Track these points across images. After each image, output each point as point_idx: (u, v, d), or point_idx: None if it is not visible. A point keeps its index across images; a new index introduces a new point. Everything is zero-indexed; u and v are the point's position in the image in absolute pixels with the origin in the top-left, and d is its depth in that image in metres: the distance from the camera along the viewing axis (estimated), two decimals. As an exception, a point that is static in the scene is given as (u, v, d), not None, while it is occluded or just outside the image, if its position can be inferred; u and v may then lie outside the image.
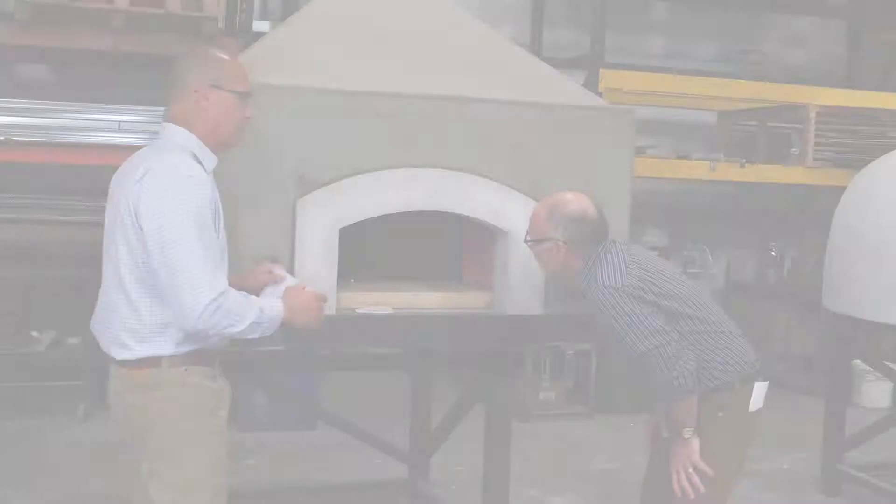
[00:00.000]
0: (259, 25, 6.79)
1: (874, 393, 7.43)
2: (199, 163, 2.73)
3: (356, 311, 3.48)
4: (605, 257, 3.18)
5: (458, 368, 7.45)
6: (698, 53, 8.80)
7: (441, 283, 3.91)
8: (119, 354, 2.73)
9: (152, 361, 2.70)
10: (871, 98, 7.67)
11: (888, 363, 7.04)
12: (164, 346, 2.69)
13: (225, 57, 2.86)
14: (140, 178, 2.63)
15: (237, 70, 2.85)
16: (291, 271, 3.25)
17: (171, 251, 2.58)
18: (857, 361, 7.18)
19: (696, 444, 3.11)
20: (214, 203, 2.70)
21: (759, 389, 3.21)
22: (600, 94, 6.53)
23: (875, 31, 8.96)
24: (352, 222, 3.36)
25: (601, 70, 6.69)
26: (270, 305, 2.79)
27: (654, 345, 3.02)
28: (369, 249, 4.02)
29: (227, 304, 2.62)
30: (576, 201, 3.26)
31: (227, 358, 3.60)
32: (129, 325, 2.69)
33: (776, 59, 9.07)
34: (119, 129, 5.65)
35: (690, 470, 3.11)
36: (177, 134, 2.76)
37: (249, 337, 2.74)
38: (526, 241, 3.34)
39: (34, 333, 6.25)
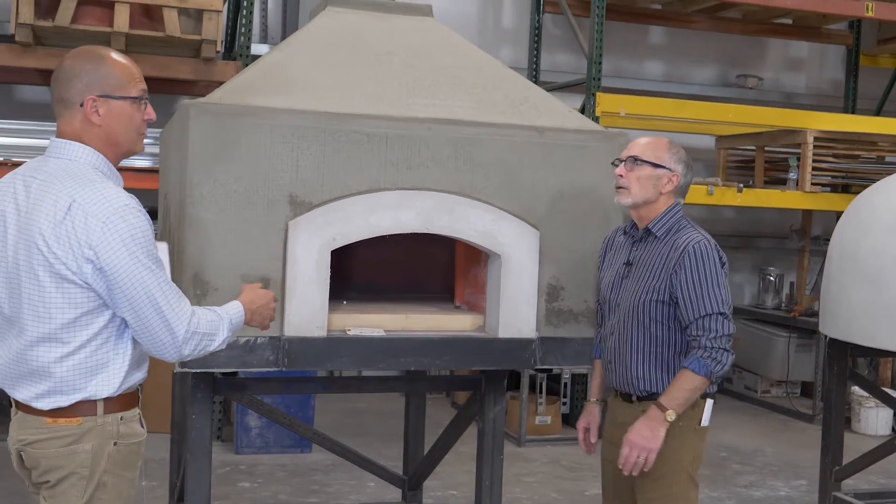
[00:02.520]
0: (258, 49, 6.84)
1: (874, 419, 7.39)
2: None
3: (348, 332, 3.48)
4: (686, 219, 3.22)
5: (451, 391, 7.44)
6: (696, 78, 8.84)
7: (433, 305, 3.91)
8: (38, 401, 2.43)
9: (81, 408, 2.43)
10: (869, 123, 7.70)
11: (886, 389, 7.02)
12: (97, 391, 2.44)
13: (110, 56, 2.51)
14: (66, 213, 2.35)
15: (124, 71, 2.50)
16: (283, 292, 3.25)
17: (132, 292, 2.37)
18: (857, 388, 7.15)
19: (663, 434, 3.03)
20: (151, 226, 2.47)
21: (710, 406, 3.16)
22: (597, 119, 6.54)
23: (873, 57, 9.00)
24: (343, 244, 3.36)
25: (598, 94, 6.70)
26: (235, 312, 2.62)
27: (725, 312, 3.03)
28: (361, 271, 4.02)
29: (201, 328, 2.48)
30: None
31: (220, 381, 3.62)
32: (53, 371, 2.41)
33: (774, 83, 9.10)
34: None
35: (642, 459, 3.04)
36: (81, 153, 2.46)
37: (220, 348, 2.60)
38: (638, 160, 3.16)
39: None
